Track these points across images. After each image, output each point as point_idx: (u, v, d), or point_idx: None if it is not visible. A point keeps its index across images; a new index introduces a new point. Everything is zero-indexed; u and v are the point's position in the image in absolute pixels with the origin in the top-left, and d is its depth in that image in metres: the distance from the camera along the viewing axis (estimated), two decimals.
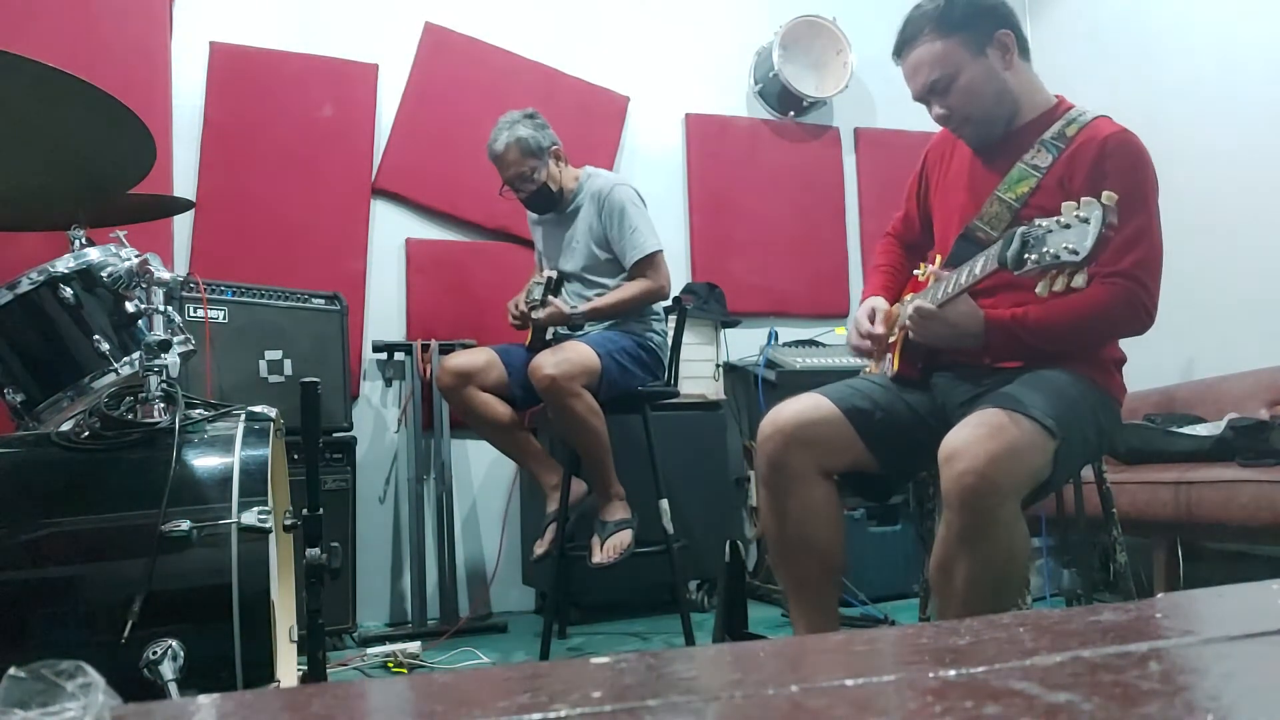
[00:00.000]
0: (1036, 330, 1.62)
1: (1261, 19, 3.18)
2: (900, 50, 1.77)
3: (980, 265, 1.54)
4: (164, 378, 1.47)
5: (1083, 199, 1.33)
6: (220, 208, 3.13)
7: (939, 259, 1.81)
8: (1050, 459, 1.49)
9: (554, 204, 2.81)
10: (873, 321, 1.83)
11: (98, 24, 2.74)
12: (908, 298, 1.86)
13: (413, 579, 3.17)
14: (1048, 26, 4.19)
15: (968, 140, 1.81)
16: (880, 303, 1.88)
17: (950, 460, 1.44)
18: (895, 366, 1.78)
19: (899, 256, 2.04)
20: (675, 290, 3.13)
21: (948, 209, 1.87)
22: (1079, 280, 1.32)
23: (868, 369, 1.96)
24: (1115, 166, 1.61)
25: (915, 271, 1.90)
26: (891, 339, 1.82)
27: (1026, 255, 1.37)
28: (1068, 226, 1.33)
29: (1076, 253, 1.30)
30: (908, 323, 1.71)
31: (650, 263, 2.70)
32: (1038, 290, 1.38)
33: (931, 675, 0.48)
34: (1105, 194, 1.31)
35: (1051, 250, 1.33)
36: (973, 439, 1.44)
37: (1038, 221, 1.37)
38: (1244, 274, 3.13)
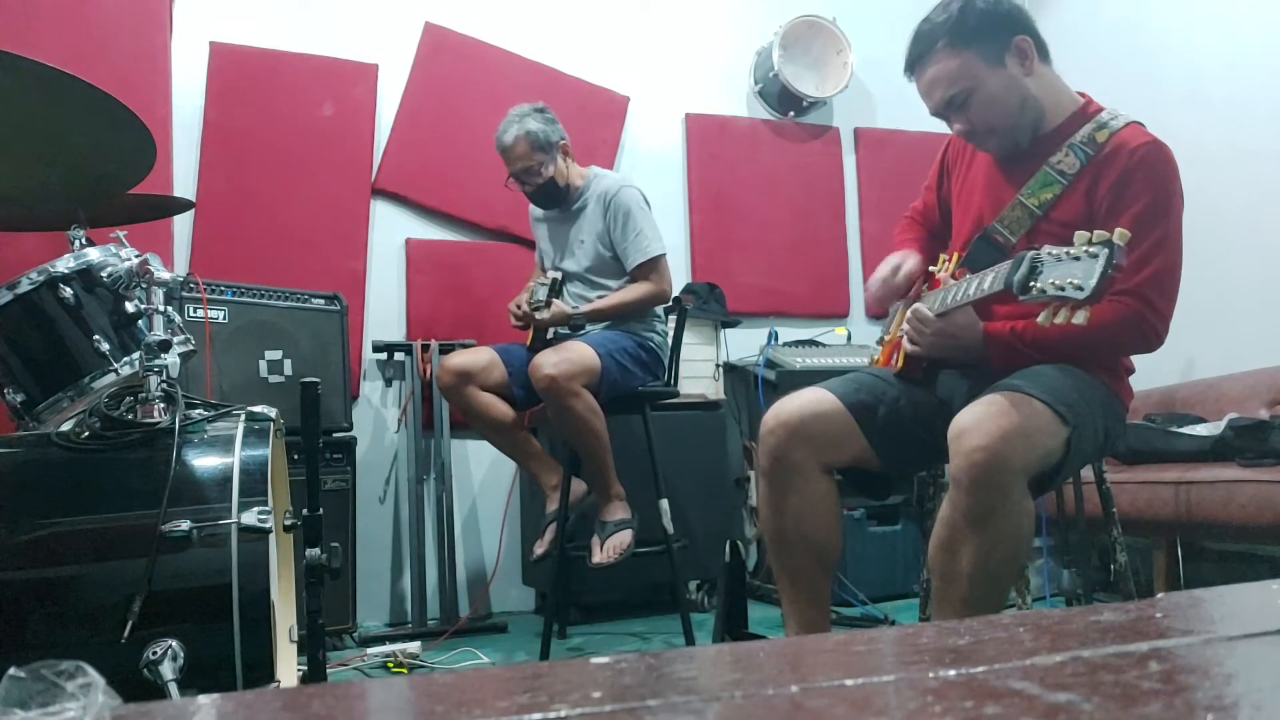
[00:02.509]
0: (1035, 345, 1.61)
1: (1263, 19, 3.18)
2: (912, 67, 1.71)
3: (988, 282, 1.53)
4: (164, 378, 1.47)
5: (1095, 232, 1.31)
6: (220, 208, 3.13)
7: (955, 256, 1.79)
8: (1062, 444, 1.48)
9: (560, 199, 2.81)
10: (894, 271, 1.81)
11: (97, 24, 2.74)
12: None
13: (413, 579, 3.17)
14: (1049, 28, 4.17)
15: (992, 151, 1.76)
16: (907, 255, 1.85)
17: (960, 437, 1.43)
18: (900, 363, 1.78)
19: (922, 231, 2.02)
20: (674, 291, 3.13)
21: (968, 206, 1.84)
22: (1080, 317, 1.31)
23: (875, 359, 1.96)
24: (1141, 179, 1.57)
25: (931, 268, 1.89)
26: (900, 333, 1.81)
27: (1032, 283, 1.35)
28: (1076, 259, 1.31)
29: (1081, 289, 1.29)
30: (906, 326, 1.71)
31: (653, 266, 2.70)
32: (1040, 319, 1.36)
33: (931, 675, 0.48)
34: (1118, 231, 1.29)
35: (1056, 282, 1.32)
36: (984, 416, 1.43)
37: (1048, 249, 1.35)
38: (1244, 274, 3.13)
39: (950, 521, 1.47)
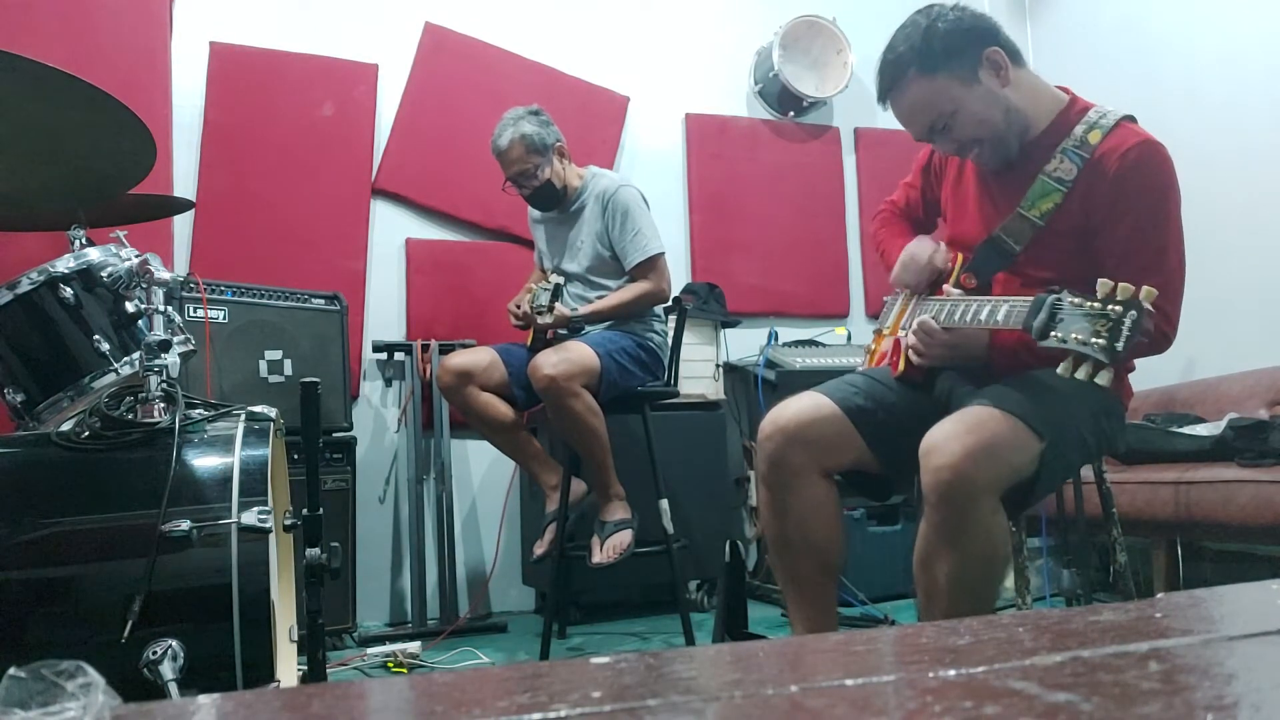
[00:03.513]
0: (1045, 356, 1.60)
1: (1262, 19, 3.18)
2: (885, 96, 1.68)
3: (1001, 314, 1.50)
4: (164, 378, 1.47)
5: (1120, 285, 1.27)
6: (220, 208, 3.13)
7: (959, 258, 1.77)
8: (1035, 458, 1.47)
9: (557, 201, 2.81)
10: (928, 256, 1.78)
11: (97, 24, 2.74)
12: (916, 297, 1.85)
13: (413, 579, 3.17)
14: (1047, 27, 4.19)
15: (984, 164, 1.72)
16: (941, 247, 1.81)
17: (927, 455, 1.43)
18: (901, 367, 1.78)
19: (906, 223, 2.01)
20: (674, 291, 3.13)
21: (962, 214, 1.82)
22: (1103, 378, 1.27)
23: (870, 361, 1.96)
24: (1137, 183, 1.56)
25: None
26: (901, 335, 1.81)
27: (1053, 331, 1.32)
28: (1100, 315, 1.27)
29: (1106, 353, 1.25)
30: (912, 338, 1.70)
31: (652, 265, 2.70)
32: (1060, 370, 1.32)
33: (931, 675, 0.48)
34: (1145, 290, 1.26)
35: (1080, 338, 1.28)
36: (950, 434, 1.44)
37: (1070, 297, 1.32)
38: (1244, 274, 3.13)
39: (925, 537, 1.48)
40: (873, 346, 1.98)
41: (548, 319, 2.57)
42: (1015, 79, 1.65)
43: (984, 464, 1.40)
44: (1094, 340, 1.27)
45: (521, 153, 2.69)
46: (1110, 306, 1.27)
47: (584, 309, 2.69)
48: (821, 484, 1.69)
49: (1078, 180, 1.61)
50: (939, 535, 1.44)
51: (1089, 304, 1.30)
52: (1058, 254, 1.64)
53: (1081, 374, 1.30)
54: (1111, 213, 1.58)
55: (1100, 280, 1.30)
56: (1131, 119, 1.65)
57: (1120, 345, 1.25)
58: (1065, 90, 1.72)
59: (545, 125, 2.73)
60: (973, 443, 1.41)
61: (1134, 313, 1.25)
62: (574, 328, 2.65)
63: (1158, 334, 1.54)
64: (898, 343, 1.81)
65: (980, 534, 1.42)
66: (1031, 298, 1.40)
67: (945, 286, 1.73)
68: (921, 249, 1.81)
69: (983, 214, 1.76)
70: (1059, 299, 1.34)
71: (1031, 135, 1.68)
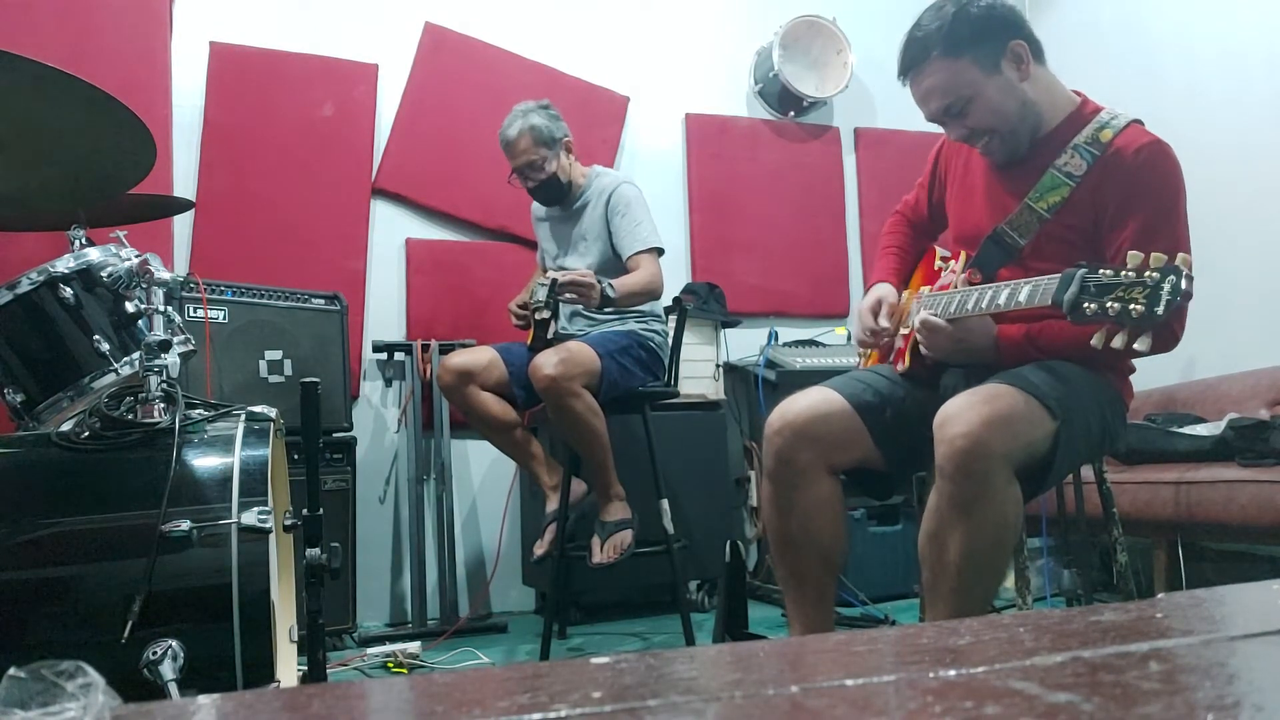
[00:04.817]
0: (1051, 349, 1.60)
1: (1262, 19, 3.18)
2: (905, 73, 1.69)
3: (1024, 294, 1.49)
4: (164, 378, 1.47)
5: (1153, 254, 1.27)
6: (220, 208, 3.13)
7: (963, 255, 1.77)
8: (1049, 436, 1.47)
9: (561, 196, 2.81)
10: (877, 316, 1.81)
11: (97, 24, 2.75)
12: (924, 289, 1.84)
13: (413, 579, 3.17)
14: (1047, 26, 4.18)
15: (993, 156, 1.72)
16: (888, 292, 1.83)
17: (943, 425, 1.43)
18: (907, 363, 1.77)
19: (908, 238, 2.01)
20: (674, 291, 3.13)
21: (971, 206, 1.82)
22: (1143, 343, 1.27)
23: (865, 362, 1.95)
24: (1146, 182, 1.57)
25: (938, 265, 1.88)
26: (905, 332, 1.80)
27: (1086, 304, 1.31)
28: (1137, 284, 1.26)
29: (1146, 318, 1.24)
30: (918, 334, 1.70)
31: (650, 257, 2.69)
32: (1093, 341, 1.32)
33: (931, 675, 0.48)
34: (1180, 256, 1.26)
35: (1115, 305, 1.27)
36: (967, 405, 1.43)
37: (1103, 269, 1.32)
38: (1244, 274, 3.13)
39: (937, 510, 1.47)
40: (866, 352, 1.97)
41: (545, 314, 2.56)
42: (1034, 74, 1.66)
43: (1000, 433, 1.40)
44: (1132, 307, 1.26)
45: (529, 144, 2.70)
46: (1147, 274, 1.27)
47: (617, 282, 2.59)
48: (827, 481, 1.69)
49: (1088, 175, 1.62)
50: (952, 506, 1.43)
51: (1123, 273, 1.29)
52: (1061, 249, 1.64)
53: (1118, 342, 1.29)
54: (1122, 208, 1.58)
55: (1130, 253, 1.30)
56: (1140, 122, 1.66)
57: (1160, 309, 1.24)
58: (1078, 93, 1.73)
59: (554, 120, 2.75)
60: (989, 412, 1.41)
61: (1173, 276, 1.25)
62: (605, 300, 2.55)
63: (1168, 332, 1.55)
64: (904, 340, 1.80)
65: (995, 504, 1.42)
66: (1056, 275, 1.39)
67: (949, 280, 1.74)
68: (870, 297, 1.83)
69: (989, 207, 1.76)
70: (1089, 272, 1.33)
71: (1043, 132, 1.68)
